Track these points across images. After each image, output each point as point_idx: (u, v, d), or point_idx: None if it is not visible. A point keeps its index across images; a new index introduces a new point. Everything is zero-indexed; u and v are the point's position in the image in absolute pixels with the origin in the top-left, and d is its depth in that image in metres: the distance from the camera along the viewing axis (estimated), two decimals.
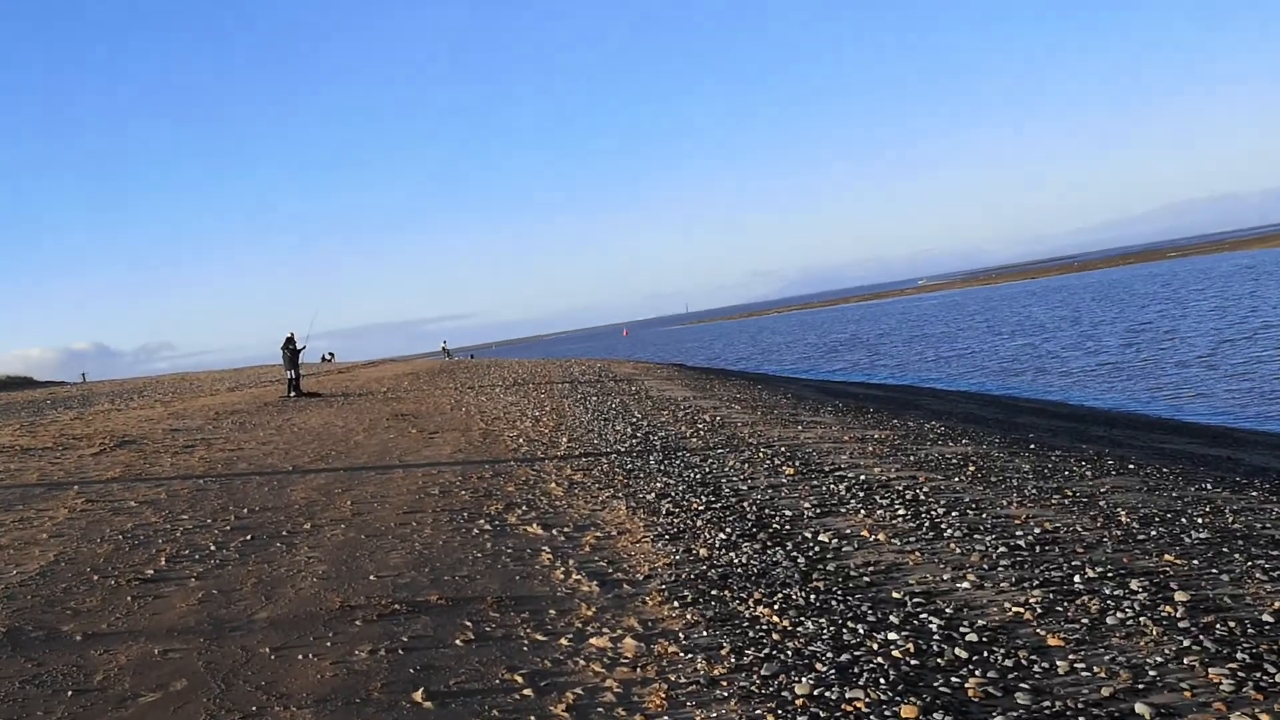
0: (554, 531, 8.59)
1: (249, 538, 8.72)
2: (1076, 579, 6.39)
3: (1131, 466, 11.75)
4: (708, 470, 11.79)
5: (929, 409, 23.57)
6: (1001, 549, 7.23)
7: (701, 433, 15.88)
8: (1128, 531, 7.66)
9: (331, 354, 79.48)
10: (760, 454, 13.03)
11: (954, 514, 8.57)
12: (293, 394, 30.45)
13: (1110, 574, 6.46)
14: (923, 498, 9.39)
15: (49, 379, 69.74)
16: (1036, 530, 7.78)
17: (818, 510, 9.01)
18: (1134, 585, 6.18)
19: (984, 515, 8.48)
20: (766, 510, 9.13)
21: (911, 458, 12.32)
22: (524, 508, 9.81)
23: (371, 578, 7.20)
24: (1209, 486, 10.22)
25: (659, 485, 10.83)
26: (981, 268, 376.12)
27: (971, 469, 11.17)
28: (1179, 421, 22.07)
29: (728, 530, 8.28)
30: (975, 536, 7.69)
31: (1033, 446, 13.94)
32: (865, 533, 7.98)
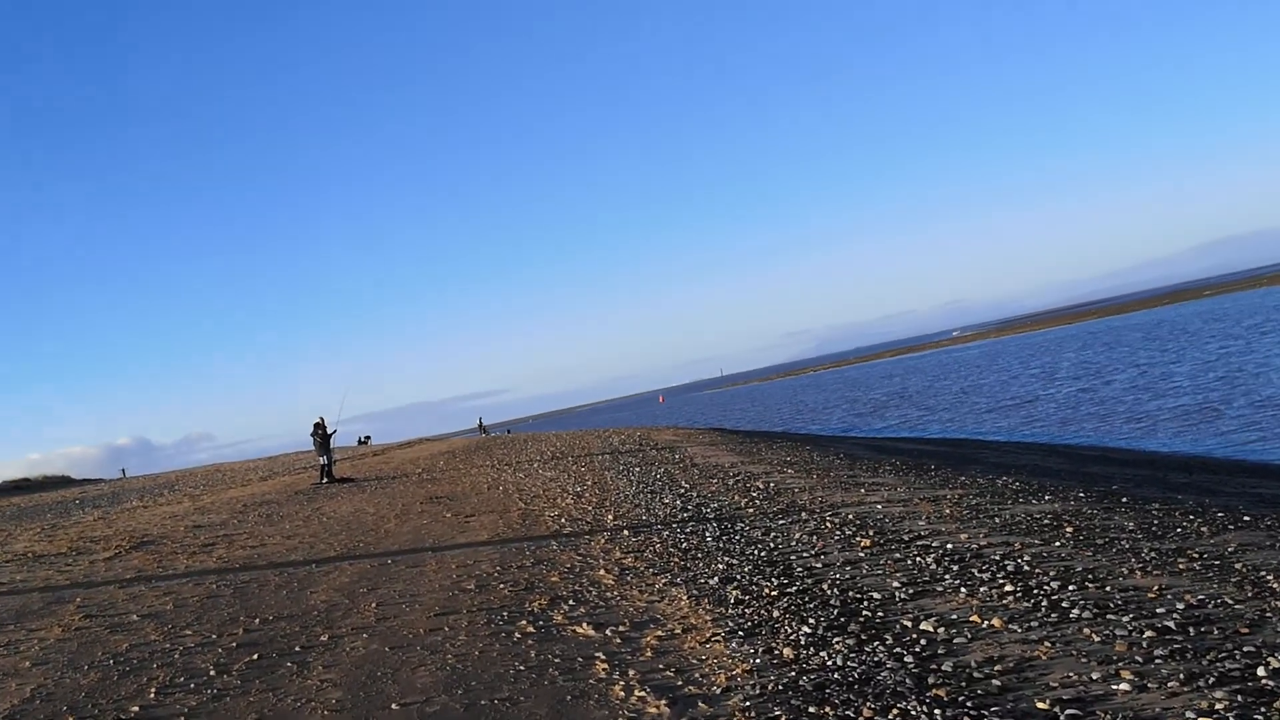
0: (608, 632, 7.41)
1: (256, 657, 7.59)
2: (1261, 671, 5.14)
3: (1247, 519, 10.42)
4: (772, 546, 10.57)
5: (989, 462, 22.21)
6: (1149, 633, 5.97)
7: (757, 501, 14.67)
8: None
9: (368, 437, 78.97)
10: (827, 523, 11.80)
11: (1072, 588, 7.32)
12: (325, 480, 29.54)
13: None
14: (1027, 569, 8.14)
15: (88, 476, 69.63)
16: (1180, 606, 6.52)
17: (910, 591, 7.78)
18: None
19: (1108, 589, 7.22)
20: (850, 593, 7.91)
21: (996, 519, 11.05)
22: (571, 602, 8.64)
23: (394, 707, 6.03)
24: None
25: (721, 566, 9.63)
26: (1015, 315, 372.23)
27: (1069, 530, 9.90)
28: (1259, 464, 20.56)
29: (811, 621, 7.07)
30: (1109, 617, 6.43)
31: (1125, 500, 12.62)
32: (975, 618, 6.74)
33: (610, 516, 14.52)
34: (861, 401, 63.58)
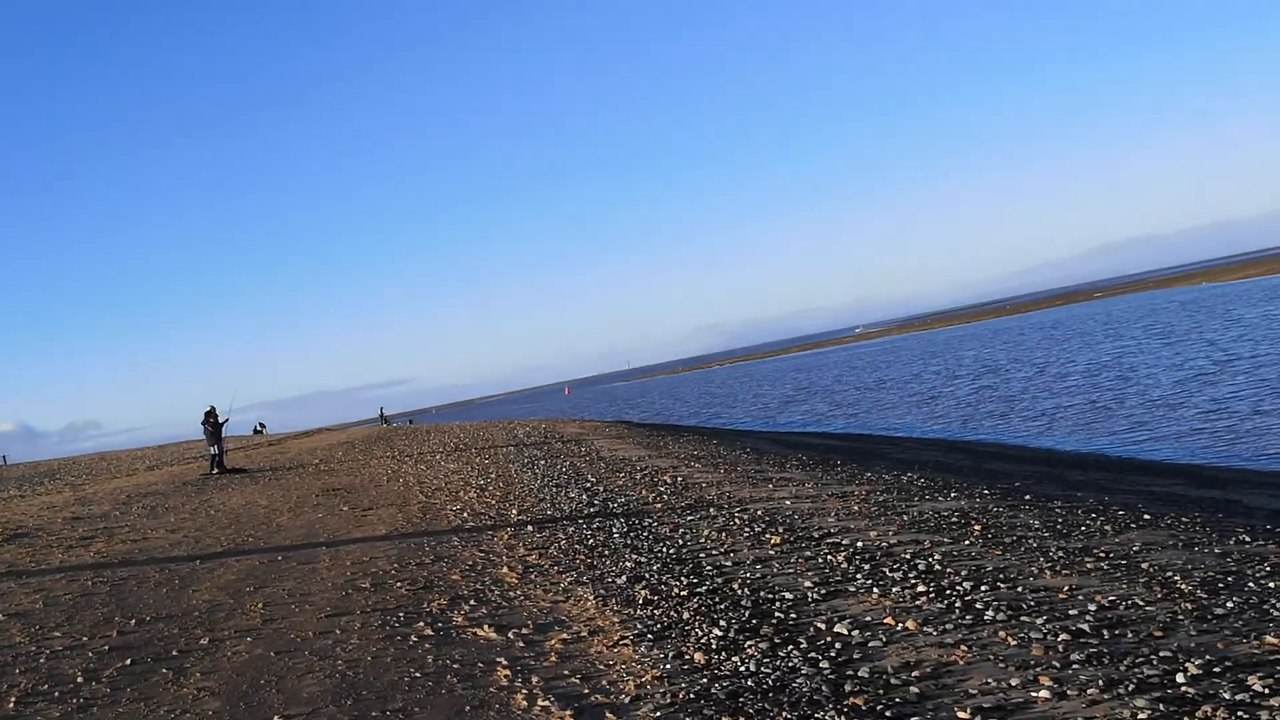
0: (510, 635, 7.05)
1: (129, 662, 7.02)
2: (1180, 677, 5.04)
3: (1148, 517, 10.55)
4: (681, 543, 10.32)
5: (893, 458, 22.40)
6: (1064, 636, 5.86)
7: (665, 496, 14.43)
8: (1199, 604, 6.36)
9: (263, 425, 76.81)
10: (736, 520, 11.61)
11: (984, 588, 7.21)
12: (215, 471, 28.46)
13: (1217, 667, 5.13)
14: (938, 568, 8.04)
15: None
16: (1092, 607, 6.44)
17: (822, 590, 7.60)
18: (1255, 683, 4.86)
19: (1020, 589, 7.14)
20: (762, 593, 7.69)
21: (905, 516, 11.00)
22: (472, 601, 8.26)
23: (276, 719, 5.59)
24: (1246, 538, 9.02)
25: (629, 565, 9.34)
26: (917, 314, 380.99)
27: (978, 528, 9.86)
28: (1150, 461, 21.11)
29: (722, 623, 6.81)
30: (1024, 619, 6.32)
31: (1028, 498, 12.72)
32: (889, 619, 6.57)
33: (514, 511, 14.13)
34: (769, 396, 64.10)
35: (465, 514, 14.30)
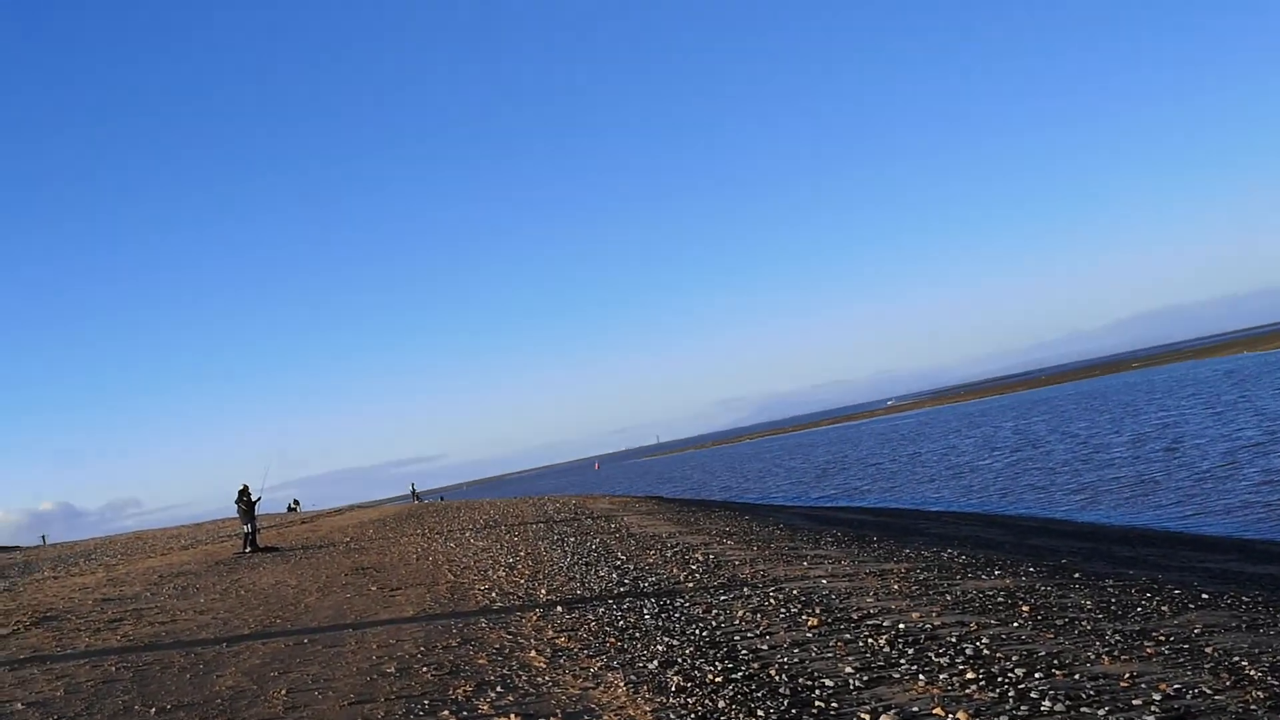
0: None
1: None
2: None
3: (1205, 596, 10.11)
4: (714, 624, 9.99)
5: (931, 534, 21.94)
6: None
7: (696, 575, 14.08)
8: (1271, 692, 5.98)
9: (297, 502, 76.89)
10: (770, 600, 11.26)
11: (1038, 675, 6.84)
12: (248, 549, 28.31)
13: None
14: (987, 653, 7.67)
15: (7, 544, 66.73)
16: (1157, 697, 6.06)
17: (864, 677, 7.25)
18: None
19: (1077, 676, 6.76)
20: (800, 679, 7.35)
21: (947, 596, 10.60)
22: (499, 688, 7.96)
23: None
24: None
25: (661, 648, 9.01)
26: (947, 386, 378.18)
27: (1026, 609, 9.47)
28: (1201, 536, 20.49)
29: (760, 713, 6.47)
30: (1083, 710, 5.96)
31: (1077, 575, 12.28)
32: (938, 709, 6.22)
33: (543, 590, 13.82)
34: (799, 470, 63.44)
35: (493, 594, 14.01)
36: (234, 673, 9.58)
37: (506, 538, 24.36)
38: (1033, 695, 6.35)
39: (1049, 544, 19.32)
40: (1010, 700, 6.29)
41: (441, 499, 79.25)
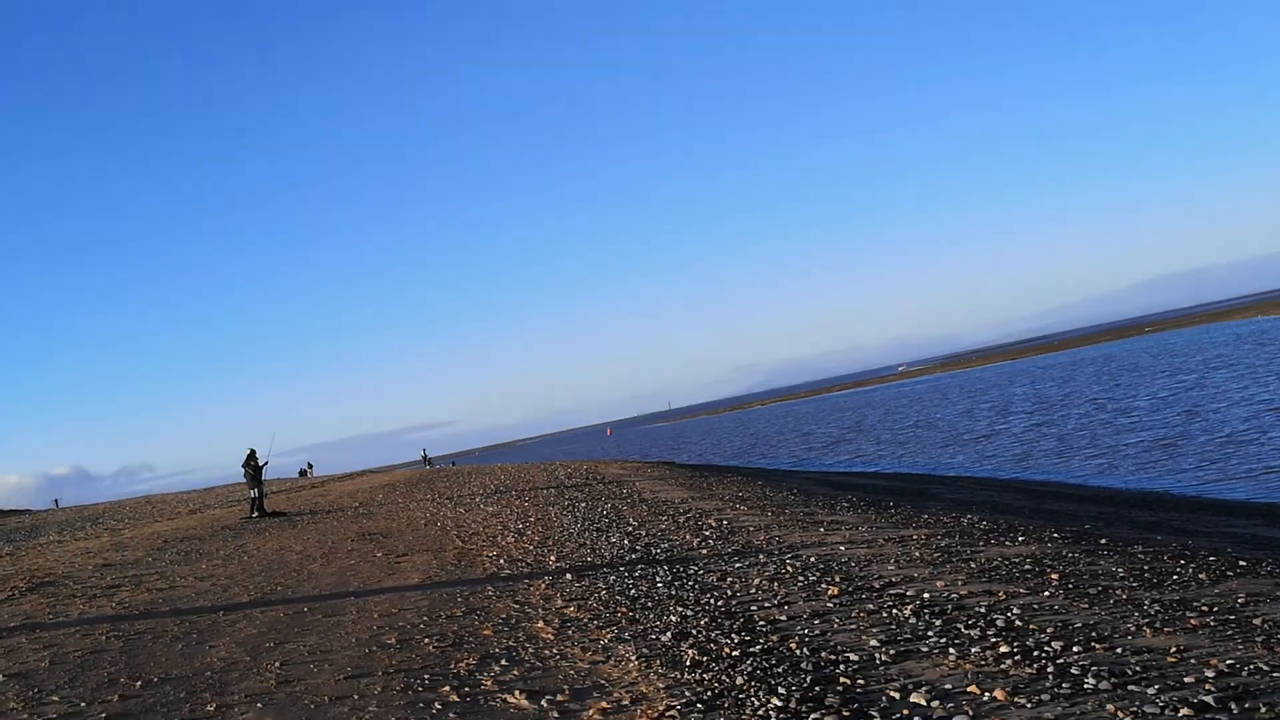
0: (544, 702, 6.32)
1: None
2: None
3: (1244, 563, 9.62)
4: (730, 594, 9.56)
5: (948, 499, 21.48)
6: (1185, 711, 5.04)
7: (710, 541, 13.67)
8: None
9: (310, 466, 76.95)
10: (787, 567, 10.82)
11: (1076, 649, 6.38)
12: (255, 514, 28.04)
13: None
14: (1020, 624, 7.21)
15: (19, 507, 66.88)
16: (1210, 674, 5.60)
17: (890, 651, 6.80)
18: None
19: (1119, 650, 6.30)
20: (823, 653, 6.90)
21: (972, 564, 10.14)
22: (503, 662, 7.54)
23: None
24: None
25: (674, 619, 8.58)
26: (960, 351, 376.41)
27: (1055, 577, 9.01)
28: (1224, 500, 19.98)
29: (781, 691, 6.04)
30: (1131, 688, 5.50)
31: (1104, 541, 11.80)
32: (973, 687, 5.77)
33: (553, 557, 13.42)
34: (813, 435, 62.99)
35: (501, 560, 13.63)
36: (228, 643, 9.20)
37: (516, 503, 24.01)
38: (1074, 671, 5.90)
39: (1067, 509, 18.87)
40: (1050, 676, 5.84)
41: (453, 464, 79.19)
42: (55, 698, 7.44)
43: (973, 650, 6.56)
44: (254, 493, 28.73)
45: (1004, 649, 6.51)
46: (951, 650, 6.63)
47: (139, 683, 7.74)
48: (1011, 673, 6.00)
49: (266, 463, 29.47)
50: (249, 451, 29.23)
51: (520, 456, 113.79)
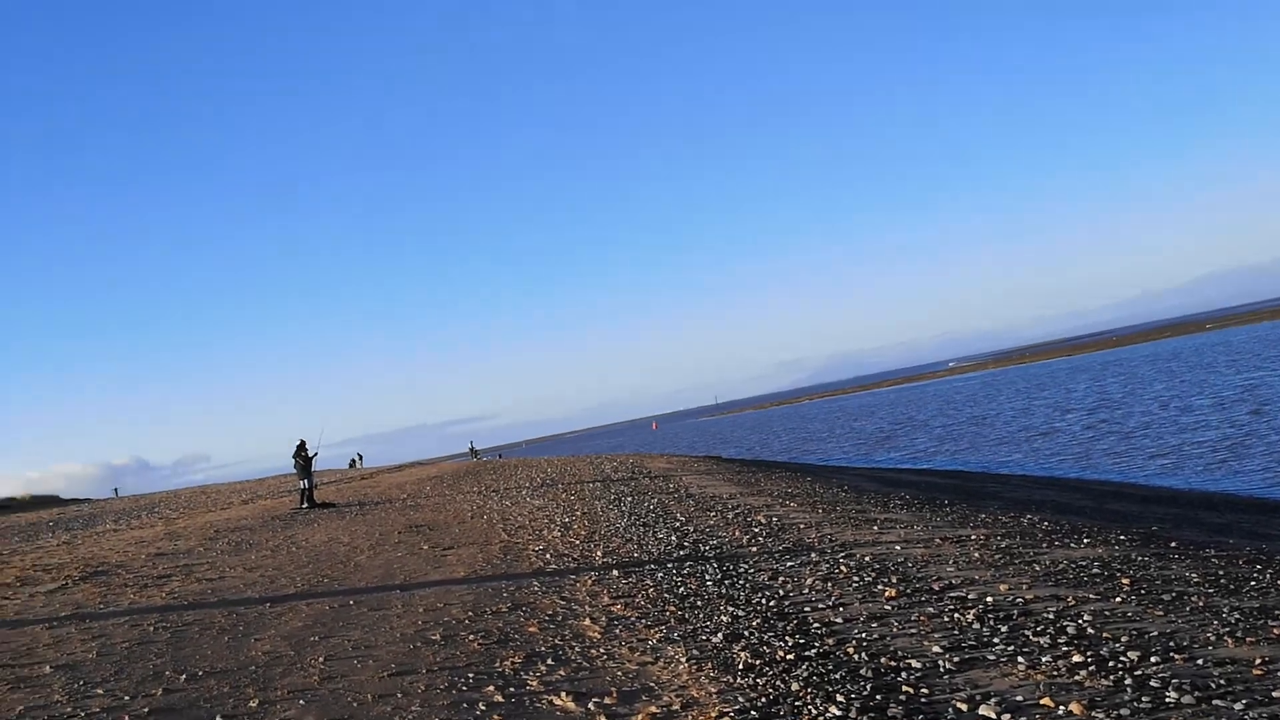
0: (590, 705, 6.10)
1: None
2: None
3: None
4: (782, 593, 9.27)
5: (1006, 498, 20.95)
6: None
7: (760, 538, 13.38)
8: None
9: (360, 457, 77.58)
10: (841, 566, 10.51)
11: (1154, 659, 6.03)
12: (305, 505, 28.22)
13: None
14: (1092, 631, 6.85)
15: (80, 496, 68.23)
16: None
17: (954, 658, 6.48)
18: None
19: (1200, 662, 5.93)
20: (883, 659, 6.60)
21: (1035, 566, 9.76)
22: (549, 661, 7.33)
23: None
24: None
25: (725, 619, 8.32)
26: (1012, 347, 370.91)
27: (1126, 582, 8.61)
28: None
29: (840, 699, 5.75)
30: (1216, 703, 5.15)
31: (1174, 544, 11.33)
32: (1046, 700, 5.44)
33: (599, 552, 13.21)
34: (863, 431, 62.29)
35: (548, 555, 13.45)
36: (273, 636, 9.10)
37: (563, 496, 23.86)
38: (1153, 684, 5.55)
39: (1131, 509, 18.33)
40: (1128, 689, 5.50)
41: (500, 457, 79.43)
42: (99, 690, 7.36)
43: (1043, 659, 6.23)
44: (304, 484, 28.90)
45: (1077, 658, 6.17)
46: (1020, 659, 6.30)
47: (183, 676, 7.64)
48: (1087, 684, 5.66)
49: (316, 454, 29.63)
50: (299, 443, 29.41)
51: (566, 449, 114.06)
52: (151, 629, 9.95)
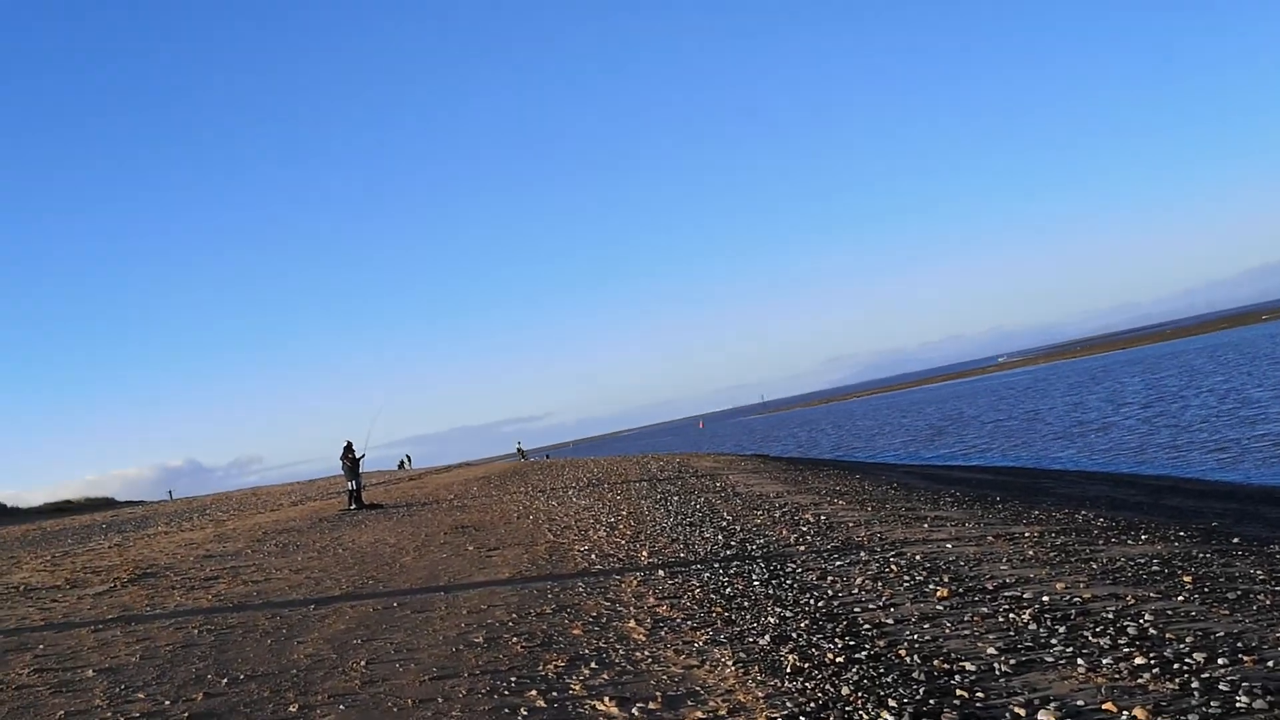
0: (634, 710, 5.95)
1: None
2: None
3: None
4: (831, 593, 9.07)
5: (1059, 494, 20.51)
6: None
7: (808, 537, 13.17)
8: None
9: (409, 458, 78.11)
10: (891, 565, 10.27)
11: (1222, 661, 5.75)
12: (353, 506, 28.38)
13: None
14: (1154, 632, 6.57)
15: (135, 498, 69.42)
16: None
17: (1011, 660, 6.24)
18: None
19: (1270, 663, 5.65)
20: (936, 661, 6.38)
21: (1093, 564, 9.46)
22: (593, 664, 7.19)
23: None
24: None
25: (772, 620, 8.14)
26: (1064, 341, 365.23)
27: (1188, 580, 8.30)
28: None
29: (893, 704, 5.55)
30: None
31: (1236, 541, 10.95)
32: (1109, 705, 5.20)
33: (645, 553, 13.07)
34: (911, 428, 61.56)
35: (593, 555, 13.32)
36: (316, 639, 9.05)
37: (609, 496, 23.76)
38: (1222, 687, 5.29)
39: (1189, 505, 17.83)
40: (1195, 693, 5.24)
41: (547, 457, 79.61)
42: (141, 695, 7.33)
43: (1104, 661, 5.98)
44: (352, 485, 29.07)
45: (1140, 660, 5.91)
46: (1080, 661, 6.05)
47: (225, 680, 7.60)
48: (1151, 688, 5.41)
49: (364, 455, 29.80)
50: (346, 444, 29.60)
51: (612, 449, 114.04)
52: (196, 632, 9.96)
